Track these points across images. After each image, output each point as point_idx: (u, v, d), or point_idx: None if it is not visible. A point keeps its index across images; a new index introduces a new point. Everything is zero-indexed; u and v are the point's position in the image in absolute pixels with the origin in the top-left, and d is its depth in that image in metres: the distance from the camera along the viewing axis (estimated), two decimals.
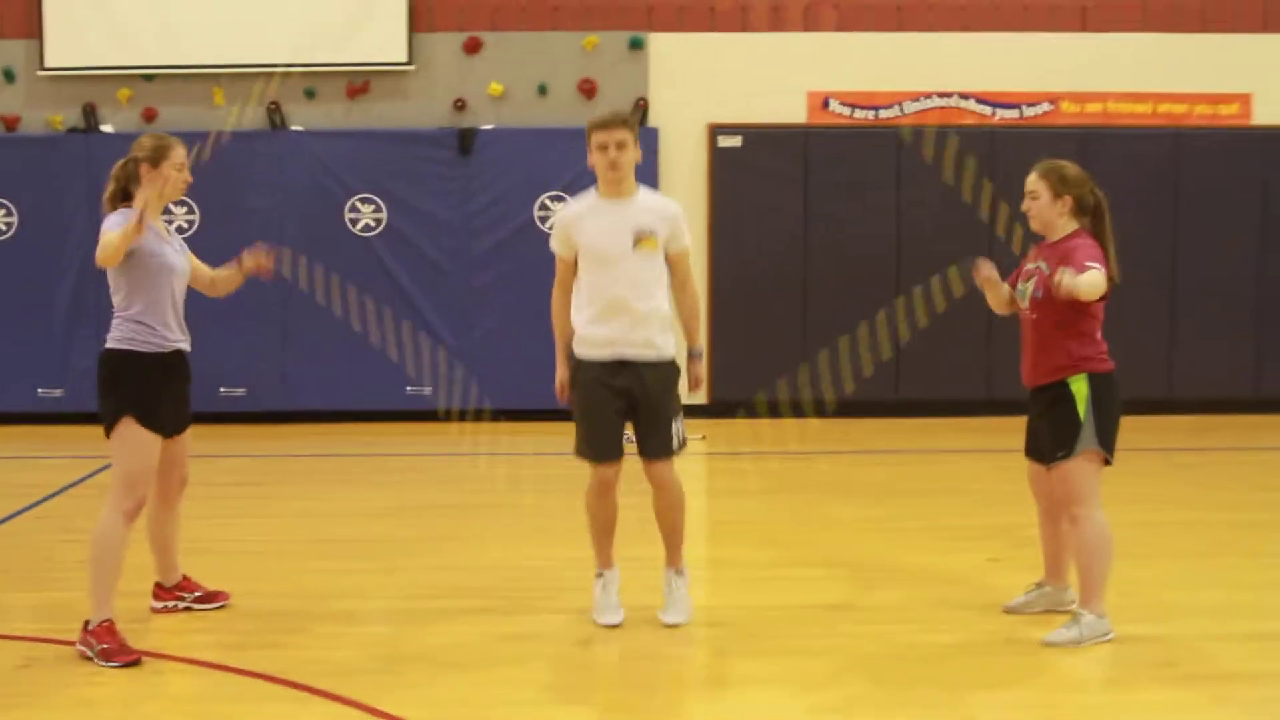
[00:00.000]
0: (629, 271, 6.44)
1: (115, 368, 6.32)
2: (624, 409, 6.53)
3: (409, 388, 13.34)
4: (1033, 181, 6.45)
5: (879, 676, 5.88)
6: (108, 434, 6.28)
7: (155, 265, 6.31)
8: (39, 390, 13.25)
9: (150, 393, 6.29)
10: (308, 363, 13.37)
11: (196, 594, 6.95)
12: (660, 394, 6.52)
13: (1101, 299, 6.21)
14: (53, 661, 6.12)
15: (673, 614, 6.66)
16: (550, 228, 12.32)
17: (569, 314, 6.68)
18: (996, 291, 6.66)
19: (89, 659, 6.02)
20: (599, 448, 6.55)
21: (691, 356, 6.65)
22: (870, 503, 9.64)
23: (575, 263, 6.61)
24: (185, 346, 6.52)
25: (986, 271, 6.59)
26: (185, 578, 6.95)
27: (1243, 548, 8.22)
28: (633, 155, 6.50)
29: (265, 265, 6.94)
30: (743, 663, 6.12)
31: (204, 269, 6.91)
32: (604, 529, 6.72)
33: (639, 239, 6.44)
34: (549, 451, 11.16)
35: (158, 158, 6.40)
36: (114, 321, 6.37)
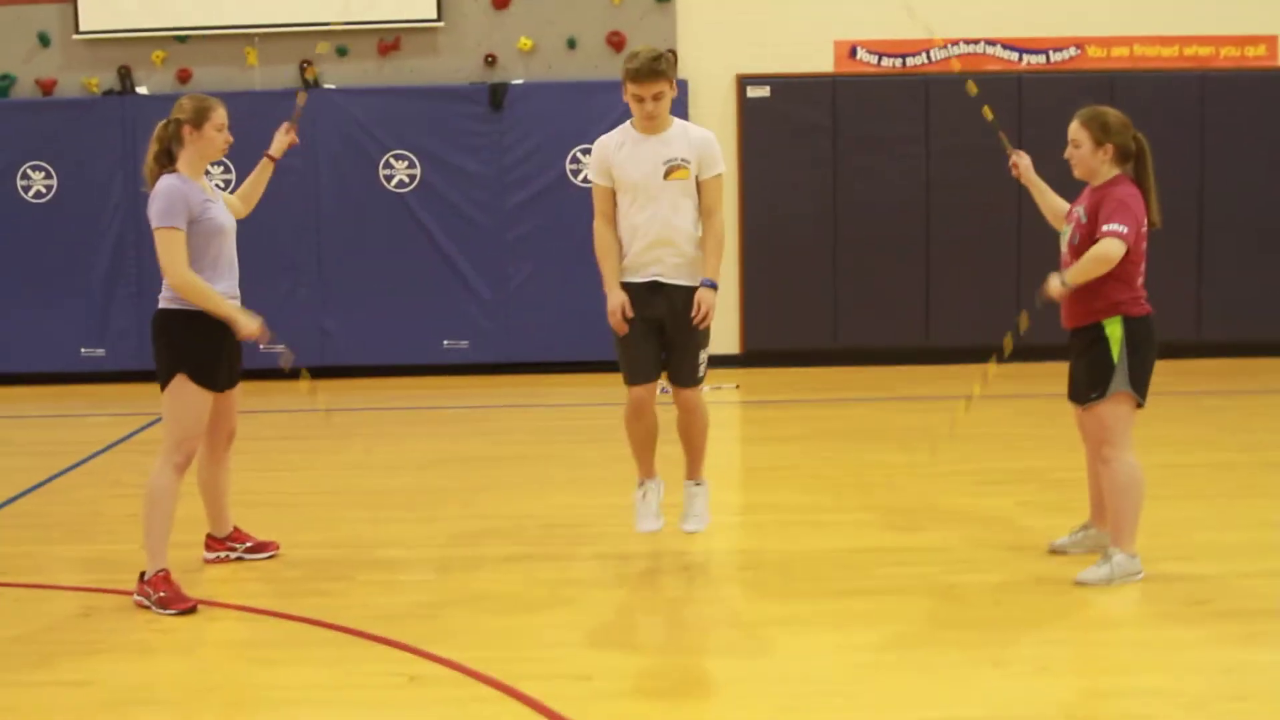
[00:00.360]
0: (663, 202, 6.54)
1: (168, 326, 6.44)
2: (657, 334, 6.66)
3: (446, 341, 13.51)
4: (1074, 129, 6.46)
5: (915, 615, 6.03)
6: (163, 389, 6.40)
7: (205, 227, 6.43)
8: (81, 350, 13.46)
9: (202, 350, 6.42)
10: (345, 318, 13.54)
11: (247, 544, 7.11)
12: (689, 320, 6.59)
13: (1133, 244, 6.25)
14: (111, 610, 6.32)
15: (692, 522, 6.88)
16: (583, 178, 12.45)
17: (613, 240, 6.71)
18: (1039, 193, 7.01)
19: (146, 607, 6.20)
20: (633, 370, 6.69)
21: (703, 285, 6.64)
22: (902, 448, 9.78)
23: (612, 192, 6.69)
24: (237, 303, 6.64)
25: (1024, 165, 7.01)
26: (236, 529, 7.12)
27: (1270, 489, 8.34)
28: (669, 99, 6.58)
29: (292, 140, 7.42)
30: (780, 604, 6.27)
31: (236, 200, 7.12)
32: (643, 443, 6.85)
33: (670, 169, 6.53)
34: (584, 403, 11.35)
35: (199, 119, 6.49)
36: (165, 280, 6.49)
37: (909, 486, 8.51)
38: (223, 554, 7.07)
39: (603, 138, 6.73)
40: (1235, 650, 5.53)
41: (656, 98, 6.50)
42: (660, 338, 6.67)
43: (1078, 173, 6.53)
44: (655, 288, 6.61)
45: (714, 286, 6.62)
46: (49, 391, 13.08)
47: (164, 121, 6.56)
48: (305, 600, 6.41)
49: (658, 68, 6.46)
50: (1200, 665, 5.35)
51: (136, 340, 12.87)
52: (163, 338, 6.45)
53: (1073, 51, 13.50)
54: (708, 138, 6.68)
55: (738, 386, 12.44)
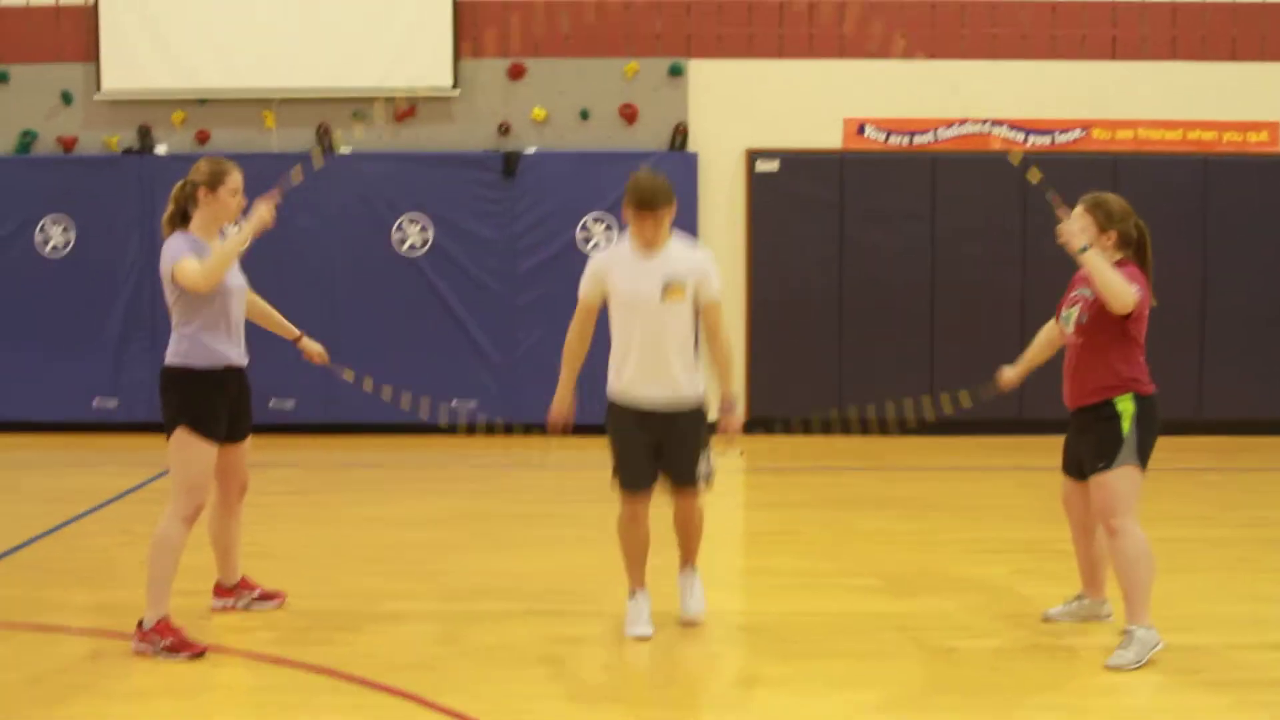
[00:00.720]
0: (657, 321, 6.62)
1: (171, 382, 6.57)
2: (653, 445, 6.74)
3: (455, 402, 13.65)
4: (1078, 215, 6.57)
5: (911, 679, 6.15)
6: (168, 440, 6.52)
7: (229, 290, 6.63)
8: (95, 400, 13.62)
9: (203, 405, 6.52)
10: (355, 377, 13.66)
11: (255, 593, 7.21)
12: (686, 435, 6.71)
13: (1131, 319, 6.36)
14: (120, 655, 6.43)
15: (693, 603, 6.95)
16: (593, 245, 12.65)
17: (583, 351, 6.91)
18: (1028, 369, 7.19)
19: (149, 656, 6.28)
20: (628, 477, 6.78)
21: (724, 407, 6.73)
22: (904, 516, 9.90)
23: (597, 308, 6.80)
24: (241, 363, 6.76)
25: (1009, 378, 7.22)
26: (244, 578, 7.21)
27: (1266, 563, 8.44)
28: (669, 221, 6.65)
29: (321, 360, 7.68)
30: (775, 664, 6.38)
31: (258, 300, 7.29)
32: (637, 553, 6.91)
33: (667, 289, 6.59)
34: (588, 465, 11.45)
35: (215, 182, 6.64)
36: (172, 336, 6.62)
37: (907, 554, 8.61)
38: (230, 601, 7.17)
39: (601, 254, 6.84)
40: (1228, 716, 5.64)
41: (657, 222, 6.57)
42: (656, 444, 6.75)
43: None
44: (649, 415, 6.71)
45: (733, 406, 6.72)
46: (62, 440, 13.21)
47: (180, 183, 6.71)
48: (312, 649, 6.52)
49: (659, 199, 6.52)
50: None
51: (149, 392, 12.73)
52: (167, 393, 6.57)
53: (1078, 133, 13.71)
54: (705, 262, 6.74)
55: (741, 453, 12.55)
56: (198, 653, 6.29)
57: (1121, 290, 6.21)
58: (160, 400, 6.61)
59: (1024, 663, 6.39)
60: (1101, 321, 6.43)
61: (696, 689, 6.21)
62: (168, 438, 6.52)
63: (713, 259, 6.82)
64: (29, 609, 7.17)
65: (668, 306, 6.61)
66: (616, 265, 6.71)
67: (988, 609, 7.31)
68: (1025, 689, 6.02)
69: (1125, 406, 6.40)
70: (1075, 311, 6.63)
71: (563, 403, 6.90)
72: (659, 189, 6.53)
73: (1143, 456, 6.41)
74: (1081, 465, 6.62)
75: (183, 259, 6.44)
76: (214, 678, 6.21)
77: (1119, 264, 6.46)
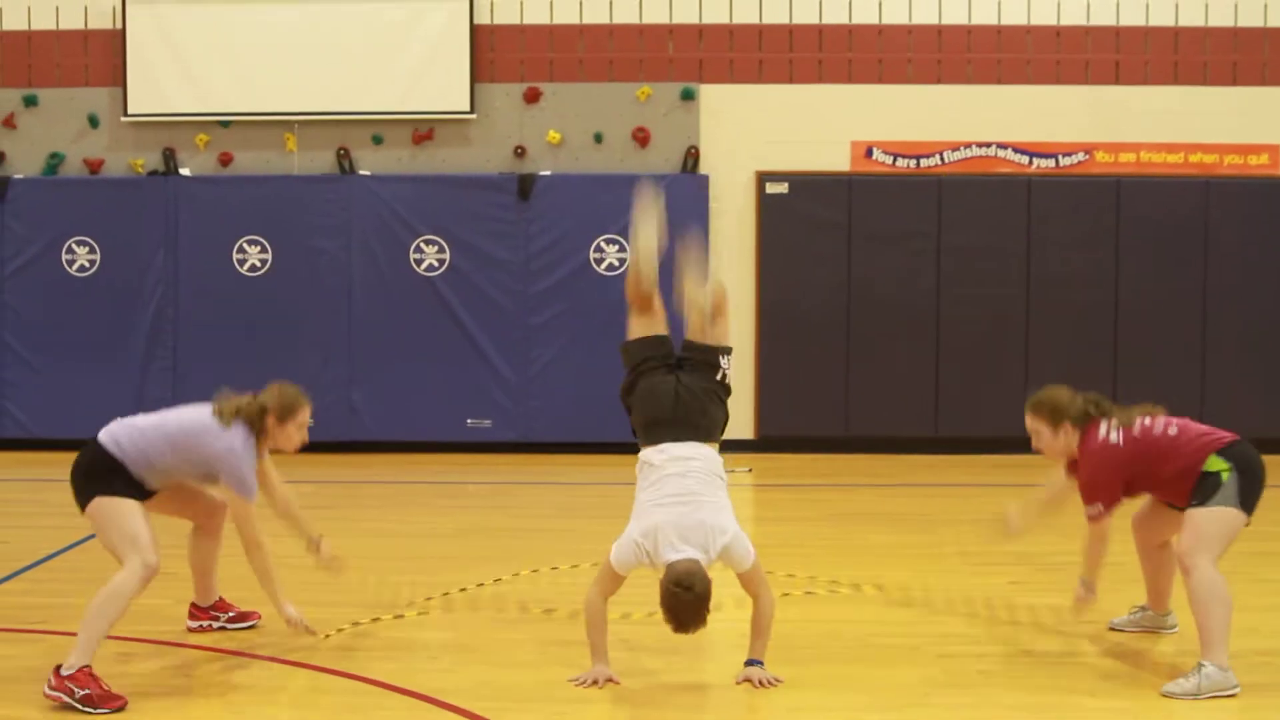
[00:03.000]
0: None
1: (94, 462, 6.46)
2: None
3: (470, 420, 13.93)
4: (1029, 423, 6.71)
5: (906, 682, 6.39)
6: (82, 512, 6.45)
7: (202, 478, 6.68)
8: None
9: (120, 481, 6.42)
10: (373, 395, 13.97)
11: (229, 614, 7.24)
12: None
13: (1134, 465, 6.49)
14: (146, 657, 6.73)
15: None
16: (606, 266, 12.88)
17: (606, 614, 6.51)
18: (1038, 512, 7.34)
19: (62, 704, 5.90)
20: None
21: (749, 664, 6.46)
22: (906, 530, 10.14)
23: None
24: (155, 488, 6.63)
25: (1016, 526, 7.30)
26: (220, 599, 7.26)
27: (1250, 574, 8.65)
28: None
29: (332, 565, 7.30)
30: (775, 668, 6.59)
31: (275, 478, 7.01)
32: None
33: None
34: (600, 481, 11.73)
35: (285, 416, 6.64)
36: (134, 431, 6.54)
37: (908, 565, 8.85)
38: (205, 623, 7.21)
39: (645, 546, 6.35)
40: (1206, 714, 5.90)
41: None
42: None
43: (1052, 458, 6.85)
44: None
45: (758, 664, 6.45)
46: None
47: (252, 398, 6.63)
48: (330, 655, 6.77)
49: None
50: None
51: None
52: (84, 469, 6.49)
53: (1081, 156, 13.95)
54: (726, 544, 6.41)
55: (750, 470, 12.81)
56: (119, 706, 5.90)
57: (1101, 537, 6.62)
58: (78, 475, 6.49)
59: (1015, 667, 6.63)
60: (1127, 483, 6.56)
61: (701, 693, 6.45)
62: (82, 511, 6.45)
63: (732, 537, 6.47)
64: (57, 616, 7.41)
65: None
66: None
67: (983, 618, 7.56)
68: (1014, 691, 6.25)
69: (1217, 465, 6.35)
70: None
71: (603, 671, 6.43)
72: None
73: (1243, 501, 6.33)
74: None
75: (248, 478, 6.50)
76: (238, 677, 6.49)
77: (1081, 442, 6.59)
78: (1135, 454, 6.49)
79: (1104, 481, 6.49)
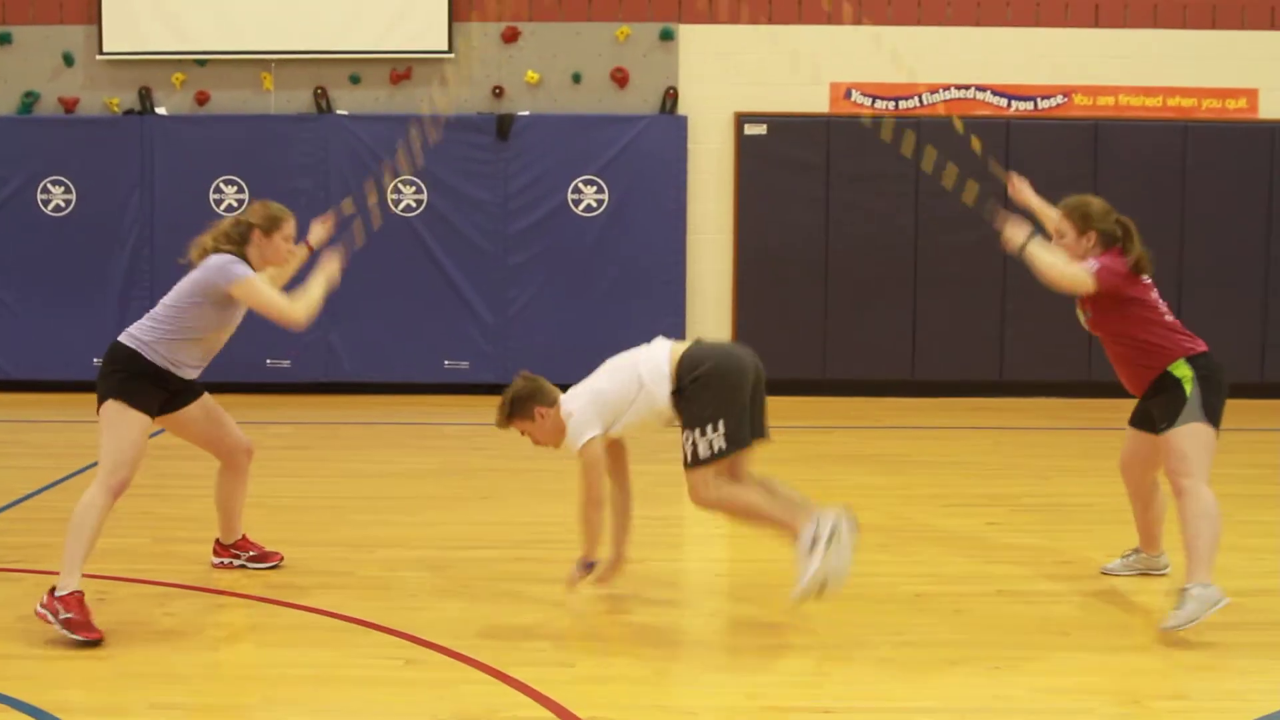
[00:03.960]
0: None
1: (116, 360, 6.50)
2: None
3: (447, 361, 13.94)
4: (1058, 220, 6.69)
5: (881, 621, 6.47)
6: (98, 411, 6.45)
7: (230, 315, 6.67)
8: (94, 359, 13.81)
9: (140, 385, 6.43)
10: (351, 336, 13.96)
11: (251, 553, 7.28)
12: None
13: (1128, 297, 6.47)
14: (124, 597, 6.74)
15: None
16: (585, 208, 12.82)
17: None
18: (1041, 213, 7.29)
19: (49, 623, 6.01)
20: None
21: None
22: (882, 472, 10.21)
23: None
24: (194, 376, 6.71)
25: (1023, 186, 7.46)
26: (244, 538, 7.31)
27: (1229, 515, 8.71)
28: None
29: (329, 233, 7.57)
30: (754, 607, 6.74)
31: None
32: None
33: None
34: None
35: (270, 227, 6.70)
36: (148, 320, 6.57)
37: (884, 507, 8.90)
38: (227, 560, 7.27)
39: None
40: (1179, 654, 5.97)
41: None
42: None
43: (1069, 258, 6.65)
44: None
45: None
46: (63, 399, 13.45)
47: (234, 219, 6.75)
48: (308, 593, 6.82)
49: None
50: (1139, 669, 5.79)
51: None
52: (108, 367, 6.50)
53: (1060, 99, 13.95)
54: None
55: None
56: (93, 639, 5.97)
57: (1064, 274, 6.39)
58: (100, 372, 6.52)
59: (986, 605, 6.71)
60: (1106, 309, 6.55)
61: (677, 629, 6.51)
62: (97, 408, 6.46)
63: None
64: (35, 556, 7.44)
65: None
66: None
67: (957, 558, 7.63)
68: (985, 628, 6.33)
69: (1182, 372, 6.42)
70: (1080, 312, 6.76)
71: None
72: None
73: (1209, 415, 6.40)
74: (1152, 417, 6.60)
75: (256, 281, 6.53)
76: (216, 616, 6.55)
77: (1103, 255, 6.54)
78: (1135, 293, 6.53)
79: (1108, 266, 6.46)
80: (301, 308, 6.67)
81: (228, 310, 6.61)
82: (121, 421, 6.37)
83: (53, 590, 6.09)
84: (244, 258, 6.65)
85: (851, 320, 13.94)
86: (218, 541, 7.33)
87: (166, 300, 6.62)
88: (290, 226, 6.79)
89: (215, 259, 6.56)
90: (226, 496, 7.20)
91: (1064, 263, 6.46)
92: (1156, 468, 6.83)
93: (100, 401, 6.45)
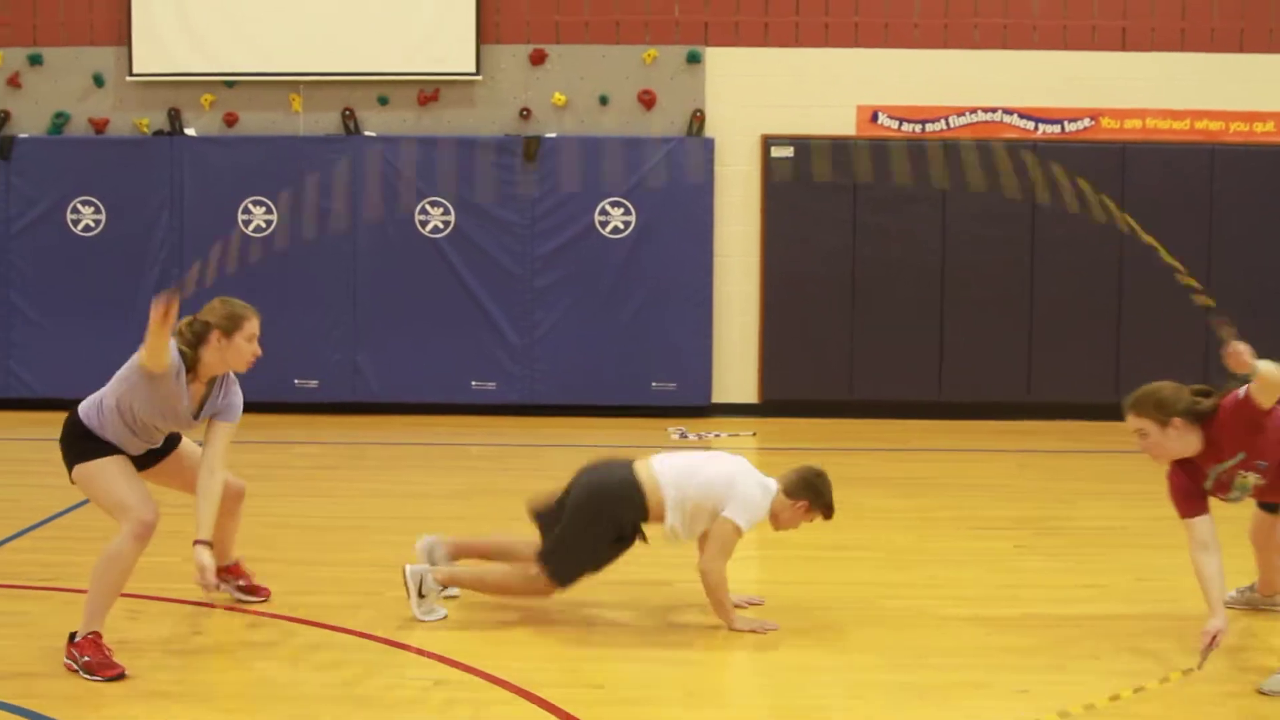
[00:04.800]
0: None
1: (70, 430, 6.34)
2: None
3: (474, 382, 13.97)
4: (1132, 422, 6.13)
5: (911, 643, 6.46)
6: (71, 481, 6.34)
7: (160, 406, 6.21)
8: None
9: (98, 447, 6.25)
10: (378, 357, 14.01)
11: (240, 582, 7.12)
12: None
13: None
14: (155, 614, 6.79)
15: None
16: (611, 229, 12.92)
17: None
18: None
19: (74, 671, 5.93)
20: None
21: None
22: (909, 494, 10.20)
23: None
24: (131, 451, 6.38)
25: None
26: (237, 564, 7.12)
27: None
28: None
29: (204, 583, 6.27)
30: (785, 629, 6.71)
31: (218, 450, 6.37)
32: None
33: None
34: (603, 444, 11.75)
35: (231, 327, 6.19)
36: (94, 396, 6.35)
37: (910, 529, 8.91)
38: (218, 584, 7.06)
39: (765, 504, 6.83)
40: (1210, 683, 5.96)
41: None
42: None
43: (1161, 462, 6.23)
44: None
45: None
46: None
47: (190, 319, 6.25)
48: (336, 612, 6.83)
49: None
50: (1170, 695, 5.77)
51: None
52: (66, 440, 6.35)
53: (1087, 122, 13.94)
54: None
55: (754, 434, 12.86)
56: (116, 675, 5.86)
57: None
58: (61, 447, 6.36)
59: (1013, 629, 6.69)
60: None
61: (707, 650, 6.51)
62: (71, 480, 6.34)
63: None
64: (67, 574, 7.45)
65: None
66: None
67: (984, 581, 7.62)
68: (1012, 652, 6.32)
69: None
70: (1246, 479, 6.16)
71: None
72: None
73: None
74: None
75: (151, 344, 5.97)
76: (245, 635, 6.57)
77: (1242, 411, 6.02)
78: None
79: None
80: (149, 360, 6.02)
81: (152, 389, 6.15)
82: (95, 474, 6.20)
83: (72, 637, 6.00)
84: (195, 359, 6.19)
85: (878, 342, 13.92)
86: None
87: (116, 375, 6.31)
88: (253, 325, 6.24)
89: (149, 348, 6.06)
90: (220, 532, 6.85)
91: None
92: None
93: (70, 471, 6.31)
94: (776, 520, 6.84)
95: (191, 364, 6.20)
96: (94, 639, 5.94)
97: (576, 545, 6.73)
